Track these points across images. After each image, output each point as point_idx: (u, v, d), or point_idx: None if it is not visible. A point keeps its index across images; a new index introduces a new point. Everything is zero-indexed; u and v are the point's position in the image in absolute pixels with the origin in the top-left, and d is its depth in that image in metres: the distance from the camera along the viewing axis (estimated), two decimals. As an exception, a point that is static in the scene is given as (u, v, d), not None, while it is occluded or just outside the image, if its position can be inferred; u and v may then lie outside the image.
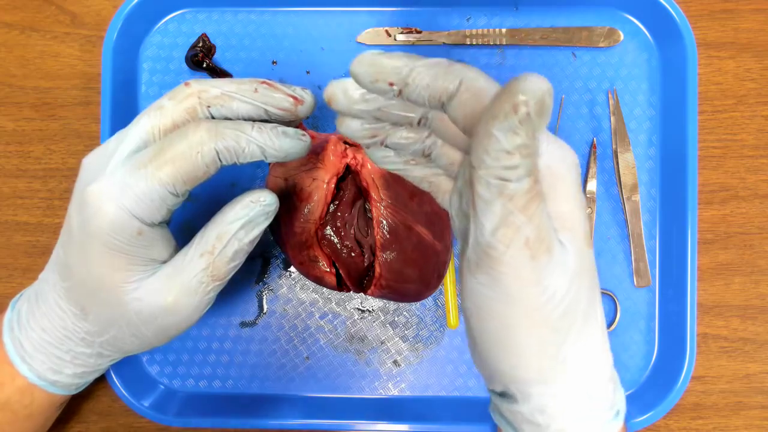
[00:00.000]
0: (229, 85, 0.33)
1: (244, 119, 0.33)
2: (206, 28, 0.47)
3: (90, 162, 0.33)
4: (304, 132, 0.33)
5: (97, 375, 0.39)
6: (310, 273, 0.41)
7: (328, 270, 0.41)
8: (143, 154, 0.31)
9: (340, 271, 0.41)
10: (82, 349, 0.36)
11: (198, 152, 0.31)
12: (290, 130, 0.33)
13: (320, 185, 0.40)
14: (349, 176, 0.41)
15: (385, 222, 0.39)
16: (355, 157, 0.40)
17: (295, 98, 0.33)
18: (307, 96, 0.33)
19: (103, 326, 0.35)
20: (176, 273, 0.33)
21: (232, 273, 0.35)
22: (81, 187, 0.33)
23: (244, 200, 0.34)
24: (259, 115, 0.33)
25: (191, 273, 0.33)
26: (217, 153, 0.31)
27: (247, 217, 0.33)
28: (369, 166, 0.40)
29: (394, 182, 0.40)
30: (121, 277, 0.33)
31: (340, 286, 0.42)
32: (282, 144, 0.32)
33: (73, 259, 0.33)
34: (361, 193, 0.41)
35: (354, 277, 0.41)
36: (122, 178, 0.31)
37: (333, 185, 0.40)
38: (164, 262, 0.34)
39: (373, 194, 0.40)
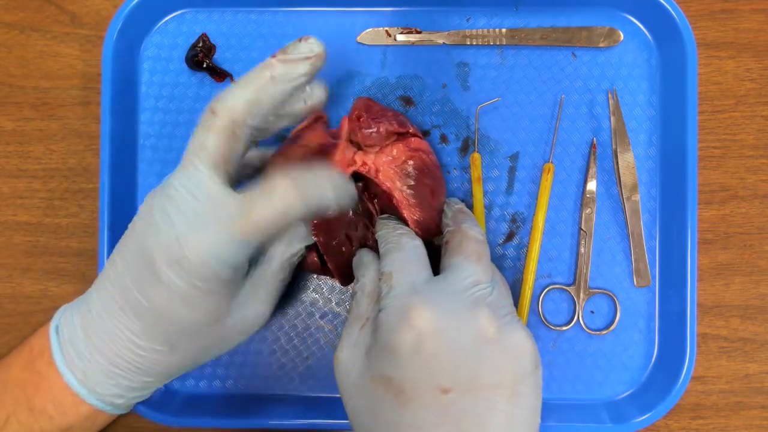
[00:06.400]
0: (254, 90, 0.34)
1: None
2: (206, 28, 0.47)
3: (169, 200, 0.33)
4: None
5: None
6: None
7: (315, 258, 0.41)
8: (240, 223, 0.32)
9: (330, 266, 0.40)
10: (156, 378, 0.37)
11: (287, 220, 0.33)
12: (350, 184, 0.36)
13: None
14: (359, 183, 0.40)
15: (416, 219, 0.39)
16: (365, 164, 0.39)
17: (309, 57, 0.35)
18: (317, 47, 0.35)
19: (191, 355, 0.36)
20: (260, 287, 0.38)
21: None
22: (171, 232, 0.32)
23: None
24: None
25: (273, 284, 0.38)
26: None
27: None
28: (383, 169, 0.39)
29: (416, 181, 0.39)
30: (222, 312, 0.35)
31: (324, 267, 0.41)
32: (350, 189, 0.35)
33: (162, 305, 0.33)
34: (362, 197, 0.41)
35: (343, 270, 0.40)
36: (222, 237, 0.32)
37: None
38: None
39: (397, 196, 0.39)
